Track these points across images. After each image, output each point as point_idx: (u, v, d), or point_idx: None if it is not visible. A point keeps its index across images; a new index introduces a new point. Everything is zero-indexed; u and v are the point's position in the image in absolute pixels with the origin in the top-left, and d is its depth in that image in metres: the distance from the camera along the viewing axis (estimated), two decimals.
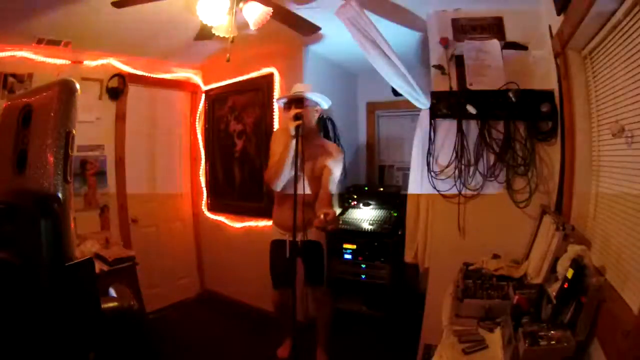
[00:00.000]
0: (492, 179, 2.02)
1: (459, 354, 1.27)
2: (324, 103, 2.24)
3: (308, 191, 2.17)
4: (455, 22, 2.09)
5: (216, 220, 3.52)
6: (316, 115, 2.26)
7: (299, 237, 2.12)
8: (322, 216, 1.88)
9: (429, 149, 2.15)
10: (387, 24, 2.23)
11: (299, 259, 2.26)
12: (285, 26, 1.94)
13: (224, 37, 1.78)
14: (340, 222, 3.07)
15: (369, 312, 2.99)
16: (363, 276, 2.96)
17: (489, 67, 2.00)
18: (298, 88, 2.21)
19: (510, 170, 1.97)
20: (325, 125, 3.02)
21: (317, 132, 2.34)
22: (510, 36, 2.02)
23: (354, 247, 2.98)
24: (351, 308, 3.03)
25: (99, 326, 0.70)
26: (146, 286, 2.81)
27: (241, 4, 1.70)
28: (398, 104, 3.22)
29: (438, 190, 2.12)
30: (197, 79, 3.57)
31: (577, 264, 1.16)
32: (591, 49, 1.43)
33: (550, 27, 1.78)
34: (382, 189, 3.38)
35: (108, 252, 2.59)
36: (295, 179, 2.05)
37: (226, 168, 3.42)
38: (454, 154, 2.06)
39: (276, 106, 2.94)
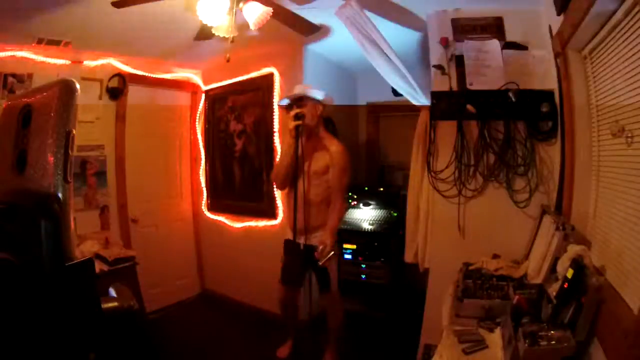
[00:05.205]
0: (492, 179, 2.02)
1: (459, 354, 1.27)
2: (321, 96, 2.19)
3: (311, 191, 2.16)
4: (455, 22, 2.09)
5: (216, 220, 3.52)
6: (317, 113, 2.21)
7: (302, 240, 2.13)
8: (320, 248, 2.03)
9: (429, 149, 2.15)
10: (387, 24, 2.23)
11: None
12: (285, 26, 1.94)
13: (224, 37, 1.78)
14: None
15: (369, 312, 2.99)
16: (363, 276, 2.96)
17: (489, 67, 2.00)
18: (298, 89, 2.21)
19: (510, 170, 1.97)
20: (325, 125, 3.02)
21: (320, 129, 2.28)
22: (510, 36, 2.01)
23: (354, 247, 2.97)
24: (351, 308, 3.03)
25: (99, 326, 0.70)
26: (146, 286, 2.81)
27: (241, 4, 1.70)
28: (398, 104, 3.22)
29: (438, 190, 2.12)
30: (197, 79, 3.57)
31: (577, 264, 1.16)
32: (591, 49, 1.43)
33: (550, 27, 1.78)
34: (382, 189, 3.38)
35: (108, 252, 2.59)
36: (296, 179, 2.05)
37: (226, 168, 3.42)
38: (454, 154, 2.06)
39: (276, 106, 2.94)
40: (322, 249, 2.04)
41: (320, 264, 2.04)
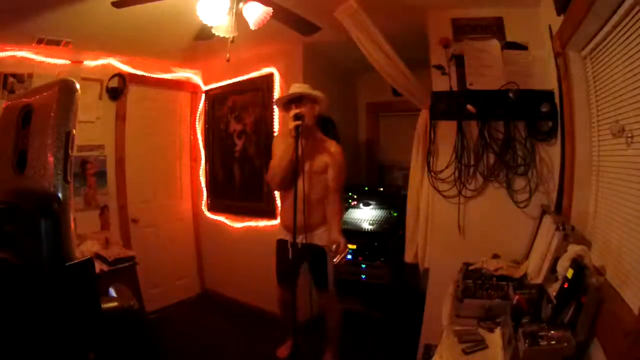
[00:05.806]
0: (492, 179, 2.02)
1: (459, 354, 1.27)
2: (320, 96, 2.20)
3: (309, 191, 2.16)
4: (455, 22, 2.09)
5: (216, 220, 3.52)
6: (315, 113, 2.21)
7: (300, 239, 2.13)
8: (334, 247, 2.07)
9: (429, 149, 2.15)
10: (387, 24, 2.23)
11: (304, 261, 2.26)
12: (285, 26, 1.94)
13: (224, 37, 1.77)
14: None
15: (369, 312, 2.99)
16: (363, 276, 2.96)
17: (489, 67, 2.00)
18: (295, 88, 2.21)
19: (510, 170, 1.97)
20: (325, 125, 3.02)
21: (317, 130, 2.31)
22: (510, 36, 2.01)
23: (354, 247, 2.97)
24: (351, 308, 3.03)
25: (99, 326, 0.70)
26: (146, 286, 2.81)
27: (241, 4, 1.69)
28: (398, 104, 3.22)
29: (438, 190, 2.12)
30: (197, 79, 3.57)
31: (577, 264, 1.16)
32: (591, 49, 1.43)
33: (550, 27, 1.78)
34: (382, 189, 3.37)
35: (108, 252, 2.59)
36: (296, 180, 2.05)
37: (226, 168, 3.42)
38: (454, 154, 2.06)
39: (276, 107, 2.94)
40: (337, 247, 2.06)
41: (336, 262, 2.09)
